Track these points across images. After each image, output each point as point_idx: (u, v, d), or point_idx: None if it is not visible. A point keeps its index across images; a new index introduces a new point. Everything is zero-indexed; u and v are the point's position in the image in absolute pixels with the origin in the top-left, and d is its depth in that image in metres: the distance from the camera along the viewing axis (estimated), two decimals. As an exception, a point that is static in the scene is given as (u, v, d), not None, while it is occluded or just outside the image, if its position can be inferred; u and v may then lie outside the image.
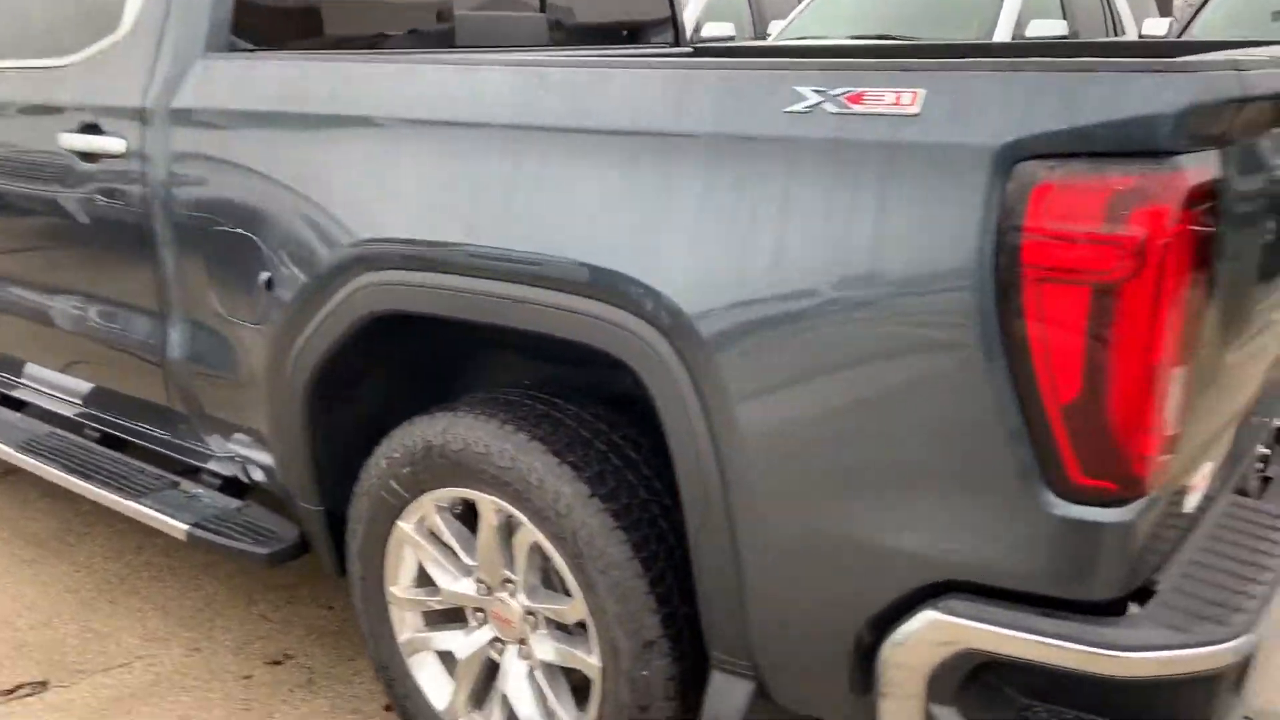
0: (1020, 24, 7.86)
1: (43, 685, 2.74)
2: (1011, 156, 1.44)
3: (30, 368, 3.22)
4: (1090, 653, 1.50)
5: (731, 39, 8.89)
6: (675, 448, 1.77)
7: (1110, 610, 1.55)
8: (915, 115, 1.51)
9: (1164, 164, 1.36)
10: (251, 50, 2.53)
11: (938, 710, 1.64)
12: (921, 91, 1.51)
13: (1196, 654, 1.50)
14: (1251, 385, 1.93)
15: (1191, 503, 1.70)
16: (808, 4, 8.68)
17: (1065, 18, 8.18)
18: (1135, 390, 1.43)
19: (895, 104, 1.53)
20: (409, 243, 2.03)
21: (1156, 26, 7.78)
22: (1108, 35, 9.00)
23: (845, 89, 1.57)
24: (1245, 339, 1.76)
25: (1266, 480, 2.32)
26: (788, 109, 1.62)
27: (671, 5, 3.81)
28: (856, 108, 1.56)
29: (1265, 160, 1.52)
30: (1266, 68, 1.55)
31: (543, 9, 3.37)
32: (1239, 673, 1.59)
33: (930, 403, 1.54)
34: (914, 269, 1.52)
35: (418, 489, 2.18)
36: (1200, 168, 1.38)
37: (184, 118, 2.45)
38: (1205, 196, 1.40)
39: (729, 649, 1.85)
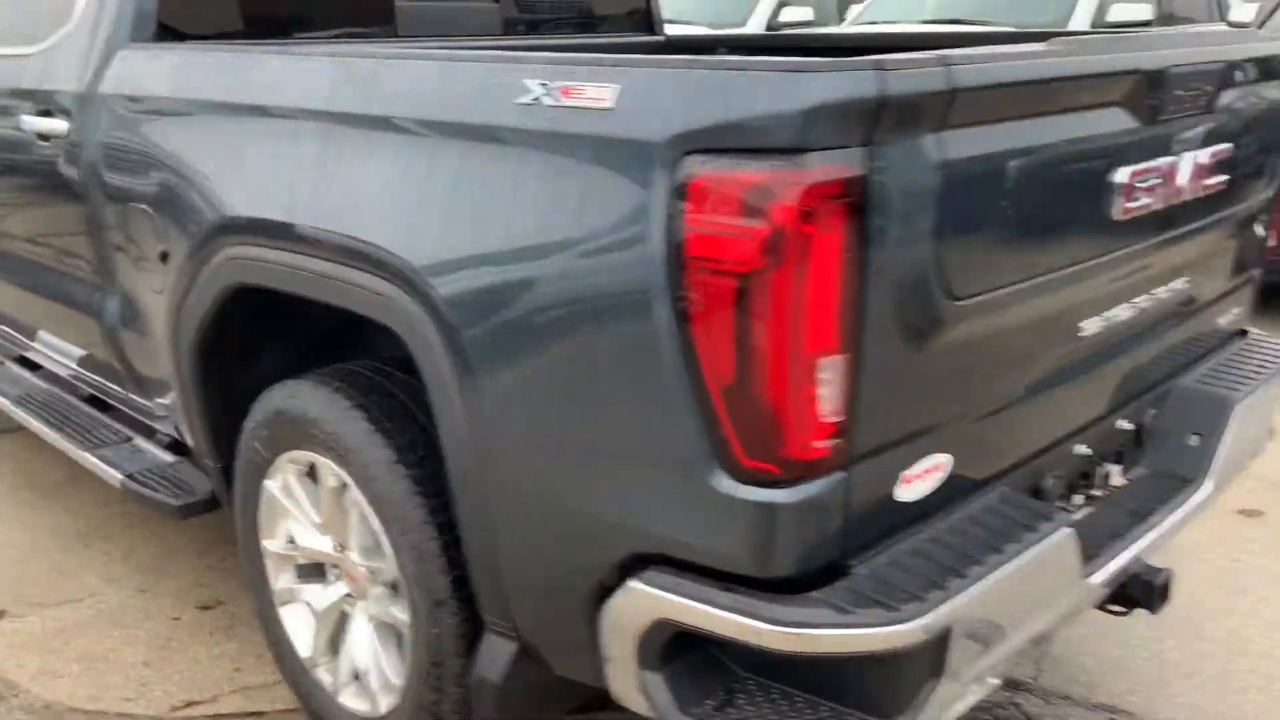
0: (1103, 8, 7.59)
1: (0, 614, 3.05)
2: (679, 150, 1.50)
3: (40, 333, 3.55)
4: (753, 626, 1.56)
5: (809, 23, 8.82)
6: (437, 414, 1.89)
7: (797, 588, 1.60)
8: (610, 110, 1.59)
9: (792, 161, 1.41)
10: (173, 41, 2.74)
11: (647, 677, 1.72)
12: (617, 87, 1.59)
13: (855, 634, 1.54)
14: (1034, 384, 1.92)
15: (909, 493, 1.73)
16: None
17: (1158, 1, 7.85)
18: (783, 376, 1.48)
19: (594, 99, 1.61)
20: (252, 220, 2.21)
21: (1244, 12, 7.39)
22: (1210, 18, 8.59)
23: (560, 83, 1.66)
24: (994, 333, 1.77)
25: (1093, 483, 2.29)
26: (517, 100, 1.71)
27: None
28: (566, 101, 1.65)
29: (934, 156, 1.53)
30: (981, 62, 1.57)
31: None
32: (933, 654, 1.62)
33: (623, 382, 1.63)
34: (609, 256, 1.60)
35: (275, 450, 2.36)
36: (833, 165, 1.42)
37: (105, 104, 2.68)
38: (843, 192, 1.44)
39: (494, 611, 1.97)
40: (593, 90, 1.61)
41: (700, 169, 1.47)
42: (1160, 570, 2.22)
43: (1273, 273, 2.95)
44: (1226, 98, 2.19)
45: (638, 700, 1.75)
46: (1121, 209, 1.91)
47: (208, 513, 2.81)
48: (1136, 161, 1.92)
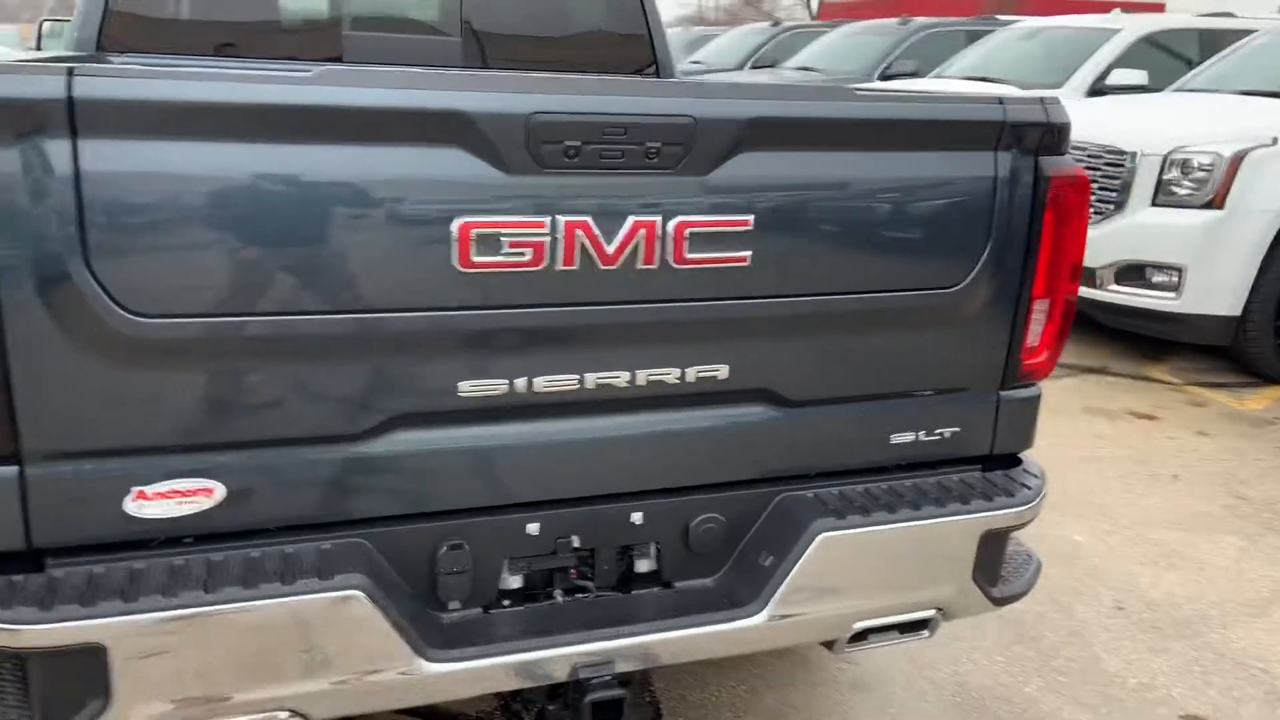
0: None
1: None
2: None
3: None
4: None
5: (1141, 88, 7.93)
6: None
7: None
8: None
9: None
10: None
11: None
12: None
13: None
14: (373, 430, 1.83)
15: (150, 510, 1.74)
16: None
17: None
18: None
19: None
20: None
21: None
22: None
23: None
24: (242, 360, 1.73)
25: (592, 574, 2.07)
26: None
27: (648, 26, 3.80)
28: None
29: (65, 166, 1.57)
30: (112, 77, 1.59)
31: (464, 32, 3.68)
32: (90, 672, 1.68)
33: None
34: None
35: None
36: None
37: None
38: None
39: None
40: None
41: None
42: (618, 688, 1.97)
43: (1024, 378, 2.33)
44: (750, 161, 1.89)
45: None
46: (460, 260, 1.75)
47: None
48: (493, 214, 1.76)
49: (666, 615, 2.07)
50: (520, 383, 1.89)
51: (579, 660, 1.98)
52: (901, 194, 2.04)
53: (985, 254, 2.13)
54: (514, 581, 2.05)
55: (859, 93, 2.00)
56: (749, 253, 1.93)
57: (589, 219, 1.82)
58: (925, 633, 2.27)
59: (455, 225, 1.75)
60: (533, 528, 2.01)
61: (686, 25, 18.48)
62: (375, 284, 1.75)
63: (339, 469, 1.85)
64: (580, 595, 2.09)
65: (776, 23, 16.06)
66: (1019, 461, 2.38)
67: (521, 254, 1.79)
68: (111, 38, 3.32)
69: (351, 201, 1.72)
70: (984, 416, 2.28)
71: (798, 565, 2.06)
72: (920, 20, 11.05)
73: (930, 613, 2.24)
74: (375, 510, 1.90)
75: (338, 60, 3.56)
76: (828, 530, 2.07)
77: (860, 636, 2.21)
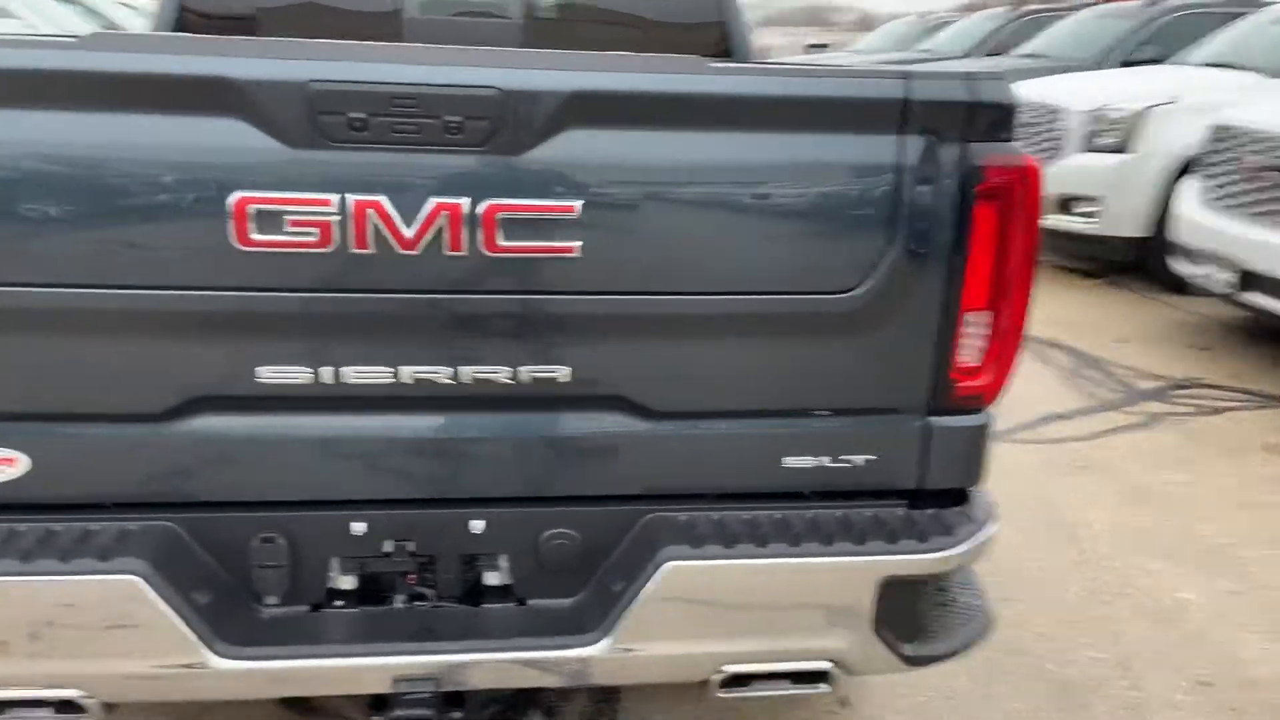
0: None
1: None
2: None
3: None
4: None
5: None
6: None
7: None
8: None
9: None
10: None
11: None
12: None
13: None
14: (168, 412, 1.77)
15: None
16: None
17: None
18: None
19: None
20: None
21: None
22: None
23: None
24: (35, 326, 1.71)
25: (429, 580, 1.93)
26: None
27: (720, 8, 3.57)
28: None
29: None
30: None
31: (526, 15, 3.59)
32: None
33: None
34: None
35: None
36: None
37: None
38: None
39: None
40: None
41: None
42: (433, 709, 1.83)
43: (959, 403, 1.97)
44: (577, 140, 1.68)
45: None
46: (238, 238, 1.65)
47: None
48: (273, 189, 1.64)
49: (505, 634, 1.90)
50: (326, 372, 1.77)
51: (399, 673, 1.85)
52: (773, 183, 1.77)
53: (887, 256, 1.81)
54: (347, 582, 1.94)
55: (716, 66, 1.74)
56: (578, 243, 1.73)
57: (383, 199, 1.67)
58: (824, 686, 1.98)
59: (231, 200, 1.65)
60: (358, 527, 1.89)
61: (966, 12, 17.65)
62: (150, 259, 1.68)
63: (145, 449, 1.81)
64: (419, 604, 1.96)
65: (1016, 5, 15.01)
66: (965, 499, 2.03)
67: (308, 234, 1.67)
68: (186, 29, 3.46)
69: (124, 172, 1.65)
70: (906, 445, 1.95)
71: (641, 594, 1.84)
72: (1172, 1, 9.97)
73: (823, 664, 1.95)
74: (184, 495, 1.84)
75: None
76: (676, 559, 1.83)
77: (740, 682, 1.95)
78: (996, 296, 1.89)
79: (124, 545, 1.77)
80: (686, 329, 1.83)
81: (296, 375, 1.77)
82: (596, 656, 1.85)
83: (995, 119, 1.81)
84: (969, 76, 1.79)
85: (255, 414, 1.81)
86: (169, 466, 1.82)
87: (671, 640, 1.87)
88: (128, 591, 1.73)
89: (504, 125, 1.67)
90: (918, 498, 1.99)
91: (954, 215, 1.82)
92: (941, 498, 2.00)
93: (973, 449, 2.00)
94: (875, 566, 1.87)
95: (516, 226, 1.71)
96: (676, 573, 1.83)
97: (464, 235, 1.70)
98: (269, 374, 1.77)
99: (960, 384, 1.93)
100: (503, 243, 1.71)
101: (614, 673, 1.92)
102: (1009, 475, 4.05)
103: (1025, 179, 1.84)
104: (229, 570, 1.89)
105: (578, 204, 1.71)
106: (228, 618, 1.84)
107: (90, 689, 1.80)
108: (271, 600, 1.91)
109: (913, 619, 1.97)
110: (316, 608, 1.94)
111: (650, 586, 1.83)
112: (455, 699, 1.91)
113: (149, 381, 1.76)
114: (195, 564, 1.84)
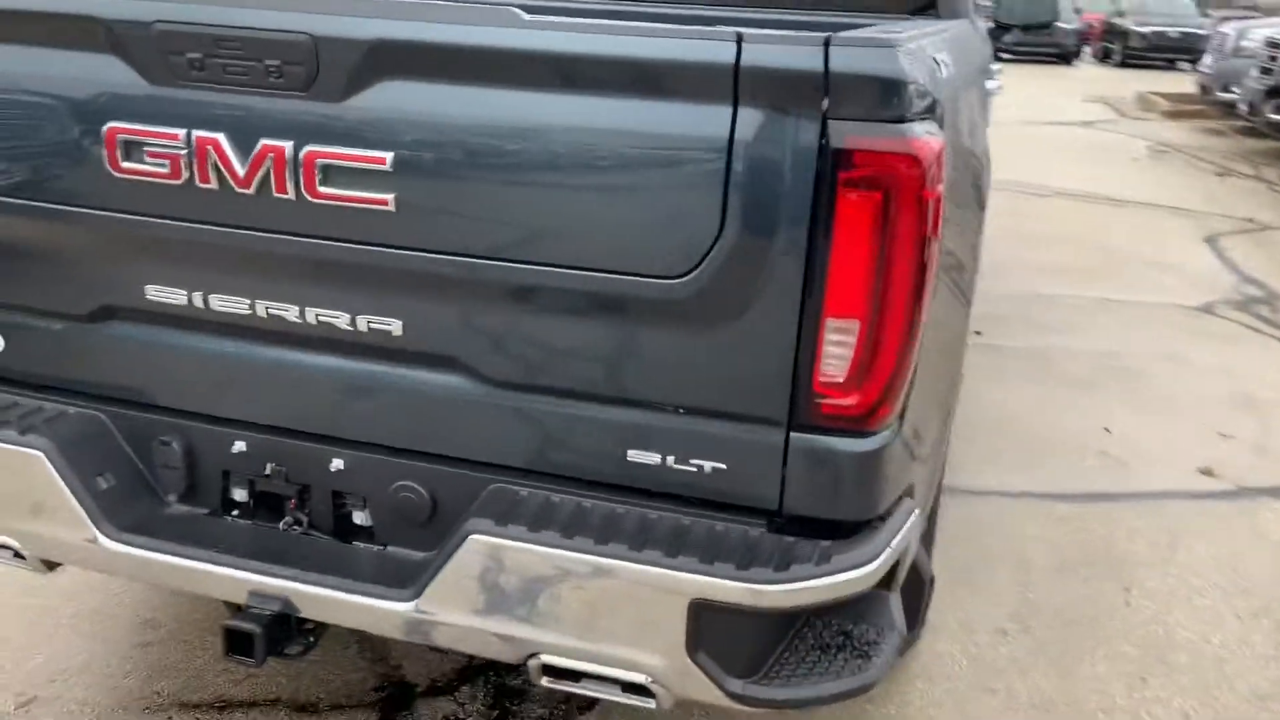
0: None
1: None
2: None
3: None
4: None
5: None
6: None
7: None
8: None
9: None
10: None
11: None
12: None
13: None
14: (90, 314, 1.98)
15: None
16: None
17: None
18: None
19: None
20: None
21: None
22: None
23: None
24: None
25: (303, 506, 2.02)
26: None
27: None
28: None
29: None
30: None
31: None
32: None
33: None
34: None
35: None
36: None
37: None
38: None
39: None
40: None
41: None
42: (260, 623, 1.92)
43: (828, 422, 1.63)
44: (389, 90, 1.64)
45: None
46: (111, 164, 1.80)
47: None
48: (135, 121, 1.77)
49: (347, 573, 1.94)
50: (197, 297, 1.90)
51: (253, 588, 1.96)
52: (595, 152, 1.61)
53: (718, 242, 1.59)
54: (239, 495, 2.07)
55: (529, 19, 1.59)
56: (390, 195, 1.69)
57: (220, 136, 1.74)
58: (651, 702, 1.83)
59: (104, 129, 1.80)
60: (239, 445, 2.01)
61: None
62: (55, 177, 1.88)
63: (77, 344, 2.04)
64: (296, 529, 2.05)
65: None
66: (852, 533, 1.75)
67: (162, 165, 1.79)
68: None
69: (24, 101, 1.86)
70: (762, 460, 1.72)
71: (449, 561, 1.80)
72: None
73: (642, 678, 1.79)
74: (107, 390, 2.05)
75: None
76: (481, 533, 1.77)
77: (561, 674, 1.85)
78: (871, 304, 1.60)
79: (39, 424, 2.02)
80: (511, 299, 1.73)
81: (174, 296, 1.91)
82: (401, 614, 1.84)
83: (871, 94, 1.52)
84: (829, 41, 1.51)
85: (152, 326, 1.97)
86: (96, 363, 2.05)
87: (472, 614, 1.81)
88: (31, 464, 1.98)
89: (319, 72, 1.67)
90: (778, 521, 1.76)
91: (808, 206, 1.56)
92: (813, 526, 1.75)
93: (856, 477, 1.73)
94: (680, 585, 1.68)
95: (335, 174, 1.70)
96: (479, 546, 1.77)
97: (288, 179, 1.72)
98: (154, 292, 1.92)
99: (826, 399, 1.66)
100: (323, 189, 1.71)
101: (416, 633, 1.88)
102: None
103: (913, 168, 1.53)
104: (147, 466, 2.09)
105: (388, 156, 1.67)
106: (127, 505, 2.04)
107: (22, 543, 2.08)
108: (170, 498, 2.09)
109: (745, 652, 1.76)
110: (213, 514, 2.09)
111: (457, 555, 1.79)
112: (302, 626, 1.99)
113: (76, 286, 1.99)
114: (110, 453, 2.06)
